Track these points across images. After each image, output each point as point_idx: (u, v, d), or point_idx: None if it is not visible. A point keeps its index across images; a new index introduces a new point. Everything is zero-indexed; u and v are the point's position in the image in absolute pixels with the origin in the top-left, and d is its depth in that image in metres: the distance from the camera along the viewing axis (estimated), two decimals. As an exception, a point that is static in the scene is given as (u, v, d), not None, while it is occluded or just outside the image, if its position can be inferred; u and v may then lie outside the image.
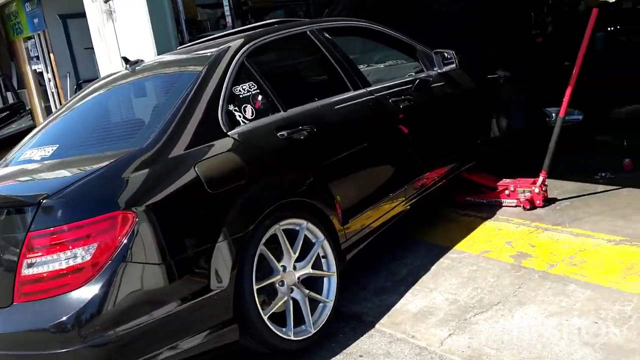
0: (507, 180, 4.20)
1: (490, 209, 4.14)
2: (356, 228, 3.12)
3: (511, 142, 4.65)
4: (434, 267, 3.40)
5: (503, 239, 3.61)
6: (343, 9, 5.83)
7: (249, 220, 2.52)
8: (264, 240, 2.60)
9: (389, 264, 3.55)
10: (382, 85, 3.55)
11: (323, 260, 2.89)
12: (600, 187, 4.19)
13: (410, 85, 3.72)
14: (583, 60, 3.85)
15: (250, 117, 2.75)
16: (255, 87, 2.83)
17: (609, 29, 9.65)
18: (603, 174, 4.41)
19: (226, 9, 6.45)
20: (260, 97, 2.81)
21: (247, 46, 2.96)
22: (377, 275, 3.43)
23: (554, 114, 4.51)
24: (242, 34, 3.22)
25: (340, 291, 3.04)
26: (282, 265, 2.72)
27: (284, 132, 2.81)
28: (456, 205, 4.30)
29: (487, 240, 3.65)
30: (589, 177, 4.41)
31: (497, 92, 4.57)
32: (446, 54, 4.03)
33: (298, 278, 2.77)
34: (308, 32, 3.32)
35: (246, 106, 2.75)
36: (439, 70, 3.97)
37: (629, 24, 9.33)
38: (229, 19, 6.50)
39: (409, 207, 3.57)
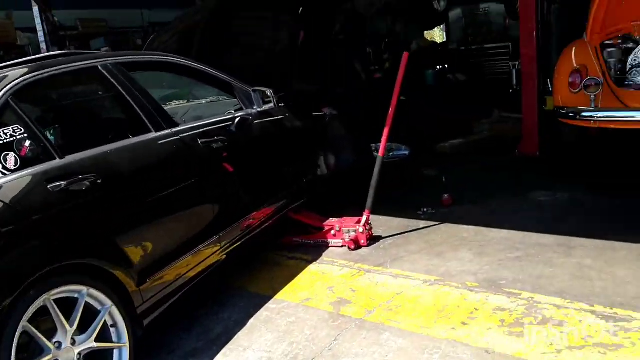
0: (334, 219, 4.12)
1: (317, 250, 4.03)
2: (157, 287, 2.77)
3: (340, 179, 4.60)
4: (251, 321, 3.15)
5: (325, 285, 3.48)
6: (170, 38, 5.48)
7: (4, 293, 2.07)
8: (28, 315, 2.17)
9: (203, 320, 3.23)
10: (191, 125, 3.25)
11: (112, 330, 2.51)
12: (422, 223, 4.27)
13: (225, 124, 3.48)
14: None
15: (12, 168, 2.30)
16: (22, 131, 2.39)
17: (438, 67, 10.40)
18: (425, 210, 4.51)
19: (40, 34, 5.81)
20: (27, 143, 2.37)
21: (14, 83, 2.50)
22: (189, 334, 3.10)
23: (381, 150, 4.56)
24: (18, 67, 2.75)
25: (145, 357, 2.70)
26: (56, 342, 2.29)
27: (60, 184, 2.39)
28: (283, 248, 4.13)
29: (309, 286, 3.50)
30: (413, 213, 4.48)
31: (323, 130, 4.52)
32: (267, 92, 3.89)
33: (79, 354, 2.36)
34: (100, 66, 2.92)
35: (7, 154, 2.31)
36: (259, 109, 3.80)
37: (455, 63, 10.15)
38: (43, 45, 5.85)
39: (224, 255, 3.30)
